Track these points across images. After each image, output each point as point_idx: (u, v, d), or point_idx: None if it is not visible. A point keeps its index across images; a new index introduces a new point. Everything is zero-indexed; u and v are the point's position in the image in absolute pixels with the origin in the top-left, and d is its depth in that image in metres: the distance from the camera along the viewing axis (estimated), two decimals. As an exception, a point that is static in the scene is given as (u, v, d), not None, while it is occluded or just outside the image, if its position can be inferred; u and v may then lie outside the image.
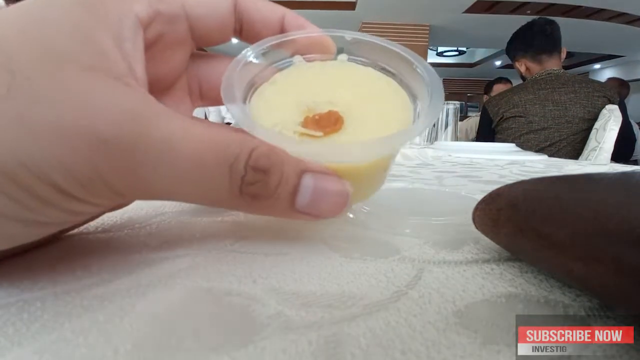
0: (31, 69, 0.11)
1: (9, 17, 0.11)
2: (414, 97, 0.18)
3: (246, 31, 0.18)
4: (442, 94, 0.17)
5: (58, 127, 0.10)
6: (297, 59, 0.19)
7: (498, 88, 2.21)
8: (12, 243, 0.12)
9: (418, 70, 0.18)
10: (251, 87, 0.17)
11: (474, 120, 1.82)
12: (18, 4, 0.12)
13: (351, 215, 0.20)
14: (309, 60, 0.19)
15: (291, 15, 0.19)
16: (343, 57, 0.19)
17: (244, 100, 0.17)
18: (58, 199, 0.11)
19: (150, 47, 0.15)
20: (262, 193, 0.13)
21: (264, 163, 0.12)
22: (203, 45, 0.18)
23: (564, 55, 1.25)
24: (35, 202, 0.11)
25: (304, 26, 0.19)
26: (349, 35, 0.19)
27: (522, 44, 1.28)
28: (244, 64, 0.17)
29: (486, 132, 1.33)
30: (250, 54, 0.17)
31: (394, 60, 0.19)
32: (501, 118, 1.25)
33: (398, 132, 0.16)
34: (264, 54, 0.18)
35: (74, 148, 0.10)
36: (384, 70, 0.19)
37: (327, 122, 0.15)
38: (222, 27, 0.17)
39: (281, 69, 0.18)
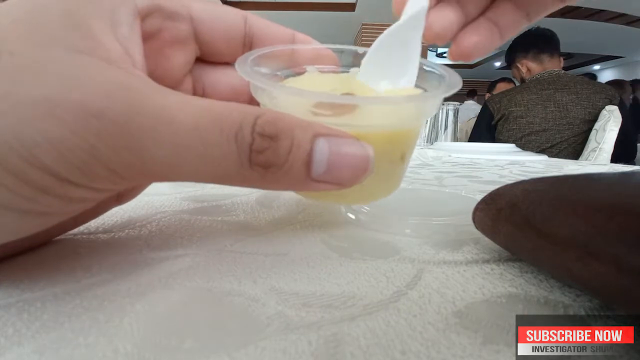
0: (17, 46, 0.10)
1: (2, 8, 0.11)
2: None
3: (256, 47, 0.18)
4: (455, 72, 0.17)
5: (43, 102, 0.09)
6: (311, 68, 0.19)
7: (501, 87, 2.22)
8: (14, 236, 0.11)
9: (428, 68, 0.18)
10: None
11: (474, 121, 1.82)
12: None
13: (352, 216, 0.20)
14: (321, 71, 0.19)
15: (301, 35, 0.19)
16: (355, 70, 0.19)
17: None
18: (54, 185, 0.10)
19: (148, 39, 0.14)
20: (274, 161, 0.12)
21: (271, 129, 0.11)
22: (214, 59, 0.18)
23: (561, 64, 1.26)
24: (30, 189, 0.10)
25: (312, 43, 0.19)
26: (361, 49, 0.19)
27: (522, 45, 1.29)
28: (252, 59, 0.16)
29: (484, 128, 1.32)
30: (257, 53, 0.17)
31: None
32: (502, 116, 1.25)
33: (425, 93, 0.16)
34: (273, 59, 0.18)
35: (63, 124, 0.10)
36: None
37: (340, 108, 0.15)
38: (229, 37, 0.17)
39: (292, 76, 0.19)
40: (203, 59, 0.18)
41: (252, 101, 0.18)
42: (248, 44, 0.18)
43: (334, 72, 0.19)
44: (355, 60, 0.20)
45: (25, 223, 0.11)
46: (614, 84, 2.73)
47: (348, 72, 0.19)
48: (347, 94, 0.16)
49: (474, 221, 0.16)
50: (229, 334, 0.10)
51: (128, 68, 0.12)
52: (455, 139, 1.13)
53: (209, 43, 0.17)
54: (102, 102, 0.10)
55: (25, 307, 0.11)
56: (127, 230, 0.18)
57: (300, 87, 0.17)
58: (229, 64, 0.19)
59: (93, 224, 0.18)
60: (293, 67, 0.19)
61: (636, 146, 1.30)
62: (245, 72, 0.14)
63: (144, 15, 0.14)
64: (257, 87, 0.15)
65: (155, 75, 0.15)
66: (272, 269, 0.14)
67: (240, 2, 3.61)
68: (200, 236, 0.17)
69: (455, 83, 0.16)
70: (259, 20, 0.18)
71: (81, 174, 0.10)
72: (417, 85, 0.18)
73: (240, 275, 0.13)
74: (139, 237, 0.17)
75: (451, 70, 0.17)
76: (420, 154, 0.70)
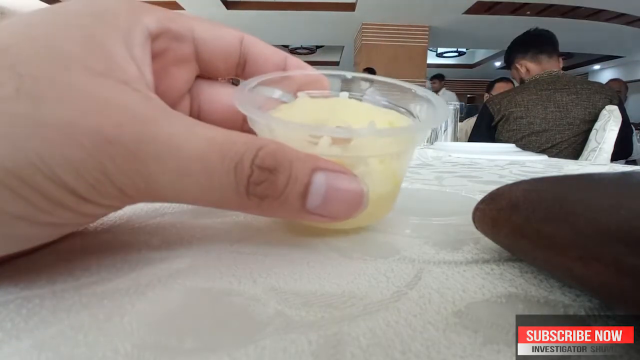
0: (38, 70, 0.11)
1: (19, 27, 0.12)
2: (413, 118, 0.19)
3: (250, 68, 0.19)
4: (444, 102, 0.17)
5: (65, 127, 0.10)
6: (301, 94, 0.19)
7: (500, 87, 2.21)
8: (29, 244, 0.12)
9: (417, 92, 0.19)
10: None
11: (474, 120, 1.82)
12: (28, 13, 0.12)
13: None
14: (312, 97, 0.19)
15: (293, 59, 0.19)
16: (344, 94, 0.20)
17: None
18: (70, 201, 0.11)
19: (154, 59, 0.15)
20: (270, 193, 0.12)
21: (270, 161, 0.12)
22: (208, 75, 0.19)
23: (560, 64, 1.26)
24: (49, 203, 0.11)
25: (304, 67, 0.20)
26: (349, 74, 0.20)
27: (521, 45, 1.29)
28: (249, 89, 0.17)
29: (483, 130, 1.32)
30: (253, 82, 0.18)
31: (391, 90, 0.20)
32: (502, 117, 1.25)
33: (417, 123, 0.16)
34: (265, 88, 0.18)
35: (82, 148, 0.10)
36: (382, 102, 0.20)
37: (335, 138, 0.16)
38: (226, 56, 0.18)
39: (284, 102, 0.19)
40: (198, 76, 0.18)
41: (246, 119, 0.19)
42: (242, 63, 0.18)
43: (324, 97, 0.20)
44: (344, 85, 0.20)
45: (39, 233, 0.12)
46: (616, 83, 2.73)
47: (338, 96, 0.20)
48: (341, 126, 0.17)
49: (474, 221, 0.16)
50: (229, 334, 0.10)
51: (142, 89, 0.12)
52: (455, 139, 1.13)
53: (207, 62, 0.18)
54: (116, 129, 0.11)
55: (24, 304, 0.11)
56: (127, 230, 0.18)
57: (293, 114, 0.18)
58: (224, 83, 0.19)
59: (92, 224, 0.18)
60: (286, 91, 0.19)
61: (632, 143, 1.30)
62: (243, 107, 0.15)
63: (154, 38, 0.15)
64: (255, 121, 0.15)
65: (158, 93, 0.16)
66: (272, 269, 0.14)
67: (240, 2, 3.60)
68: (200, 236, 0.17)
69: (444, 112, 0.17)
70: (253, 41, 0.18)
71: (95, 192, 0.11)
72: (406, 109, 0.19)
73: (240, 275, 0.13)
74: (138, 237, 0.17)
75: (437, 97, 0.18)
76: (420, 154, 0.70)
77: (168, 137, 0.11)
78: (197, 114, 0.19)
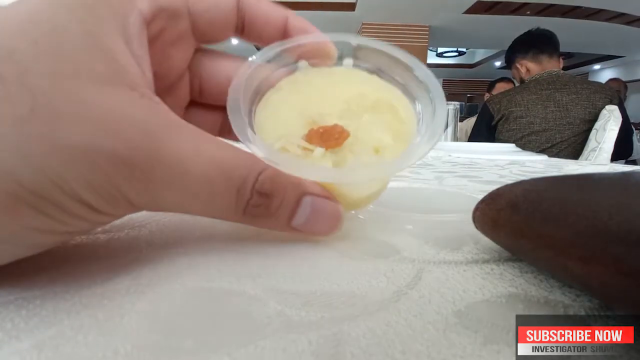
0: (50, 87, 0.11)
1: (17, 23, 0.11)
2: (414, 100, 0.18)
3: (248, 30, 0.18)
4: (444, 102, 0.17)
5: (81, 148, 0.11)
6: (302, 64, 0.19)
7: (500, 87, 2.21)
8: (40, 250, 0.13)
9: (418, 75, 0.18)
10: (257, 94, 0.17)
11: (474, 120, 1.82)
12: (20, 1, 0.12)
13: (361, 217, 0.20)
14: (313, 65, 0.19)
15: (294, 18, 0.18)
16: (348, 62, 0.19)
17: (250, 110, 0.17)
18: (85, 212, 0.12)
19: (152, 42, 0.15)
20: (263, 214, 0.14)
21: (268, 186, 0.14)
22: (204, 42, 0.18)
23: (561, 64, 1.26)
24: (66, 216, 0.11)
25: (307, 29, 0.19)
26: (354, 40, 0.19)
27: (522, 45, 1.29)
28: (250, 71, 0.17)
29: (483, 130, 1.32)
30: (257, 59, 0.17)
31: (396, 64, 0.19)
32: (502, 116, 1.24)
33: (393, 160, 0.16)
34: (269, 60, 0.18)
35: (100, 169, 0.11)
36: (386, 75, 0.19)
37: (330, 136, 0.16)
38: (224, 23, 0.17)
39: (286, 74, 0.18)
40: (197, 50, 0.18)
41: None
42: (240, 25, 0.18)
43: (326, 65, 0.19)
44: (349, 51, 0.19)
45: (52, 240, 0.13)
46: (615, 82, 2.73)
47: (342, 64, 0.19)
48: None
49: (474, 221, 0.16)
50: (229, 333, 0.10)
51: (147, 93, 0.13)
52: (455, 138, 1.13)
53: (205, 32, 0.17)
54: (130, 151, 0.11)
55: (24, 304, 0.11)
56: (126, 230, 0.18)
57: (292, 95, 0.17)
58: (224, 55, 0.19)
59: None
60: (288, 60, 0.18)
61: (632, 143, 1.30)
62: (241, 136, 0.15)
63: (149, 21, 0.14)
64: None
65: (158, 75, 0.15)
66: (272, 269, 0.14)
67: (240, 1, 3.60)
68: (200, 236, 0.17)
69: (439, 126, 0.16)
70: (251, 1, 0.18)
71: (108, 205, 0.12)
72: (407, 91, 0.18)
73: (240, 275, 0.13)
74: (138, 237, 0.17)
75: (440, 92, 0.17)
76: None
77: (176, 159, 0.12)
78: (198, 90, 0.19)
